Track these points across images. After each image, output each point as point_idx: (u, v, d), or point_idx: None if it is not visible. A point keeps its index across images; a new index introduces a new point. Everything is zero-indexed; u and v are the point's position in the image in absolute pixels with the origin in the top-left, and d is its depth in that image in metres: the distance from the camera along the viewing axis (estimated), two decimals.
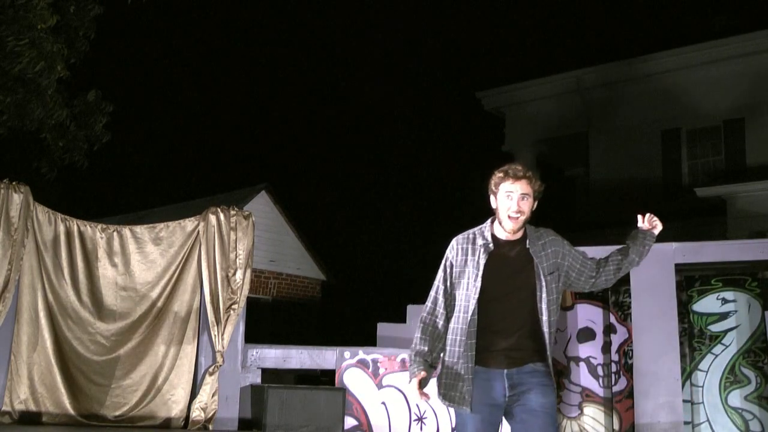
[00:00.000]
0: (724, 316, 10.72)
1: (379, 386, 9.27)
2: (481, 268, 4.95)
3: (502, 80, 24.26)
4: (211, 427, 8.75)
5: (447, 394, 4.90)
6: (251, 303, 9.77)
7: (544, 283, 4.94)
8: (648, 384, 10.37)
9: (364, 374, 9.26)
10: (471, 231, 5.17)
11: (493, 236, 5.09)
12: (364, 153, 29.17)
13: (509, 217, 4.99)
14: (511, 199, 5.02)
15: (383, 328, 11.01)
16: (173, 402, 8.80)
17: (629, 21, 25.03)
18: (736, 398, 10.50)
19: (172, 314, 8.97)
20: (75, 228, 8.89)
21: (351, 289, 21.30)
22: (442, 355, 5.01)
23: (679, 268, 10.67)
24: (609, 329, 10.58)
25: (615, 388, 10.39)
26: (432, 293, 5.11)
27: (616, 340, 10.54)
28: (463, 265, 5.01)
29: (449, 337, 4.98)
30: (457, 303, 4.99)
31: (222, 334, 8.89)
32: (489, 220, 5.16)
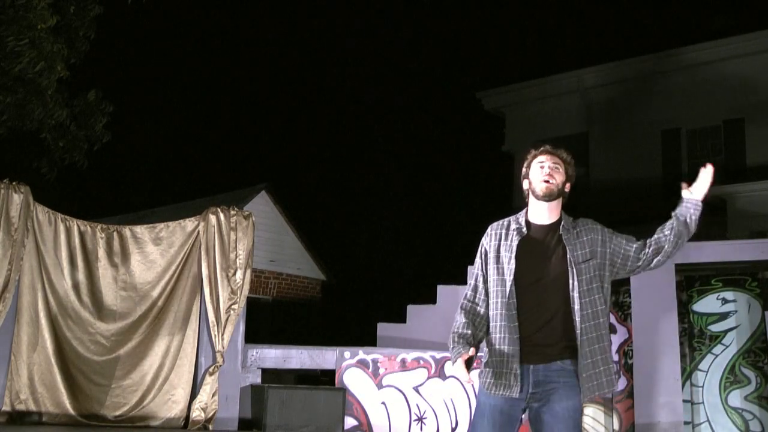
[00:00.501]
0: (724, 316, 10.73)
1: (379, 386, 9.27)
2: (515, 250, 4.86)
3: (503, 80, 24.27)
4: (211, 427, 8.75)
5: (495, 383, 4.79)
6: (251, 303, 9.78)
7: (575, 271, 4.79)
8: (648, 384, 10.38)
9: (364, 374, 9.27)
10: (507, 218, 5.09)
11: (527, 222, 5.01)
12: (364, 153, 29.19)
13: (541, 182, 4.91)
14: (543, 167, 4.97)
15: (383, 328, 11.03)
16: (173, 402, 8.80)
17: (629, 21, 25.04)
18: (736, 398, 10.51)
19: (172, 314, 8.97)
20: (75, 228, 8.89)
21: (351, 289, 21.32)
22: (485, 344, 4.92)
23: (679, 268, 10.68)
24: (609, 329, 10.59)
25: (615, 389, 10.41)
26: (471, 281, 5.04)
27: (616, 340, 10.55)
28: (497, 251, 4.94)
29: (491, 324, 4.88)
30: (493, 289, 4.90)
31: (222, 334, 8.89)
32: (525, 209, 5.07)
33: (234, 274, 9.05)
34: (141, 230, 9.12)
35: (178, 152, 28.67)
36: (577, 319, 4.75)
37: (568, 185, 5.02)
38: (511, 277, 4.80)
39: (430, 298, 11.07)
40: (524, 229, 4.94)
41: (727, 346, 10.65)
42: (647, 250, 4.98)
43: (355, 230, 25.88)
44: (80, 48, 13.74)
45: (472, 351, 4.74)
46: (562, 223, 4.96)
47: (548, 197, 4.91)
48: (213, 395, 8.81)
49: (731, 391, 10.58)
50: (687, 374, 10.64)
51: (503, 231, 4.99)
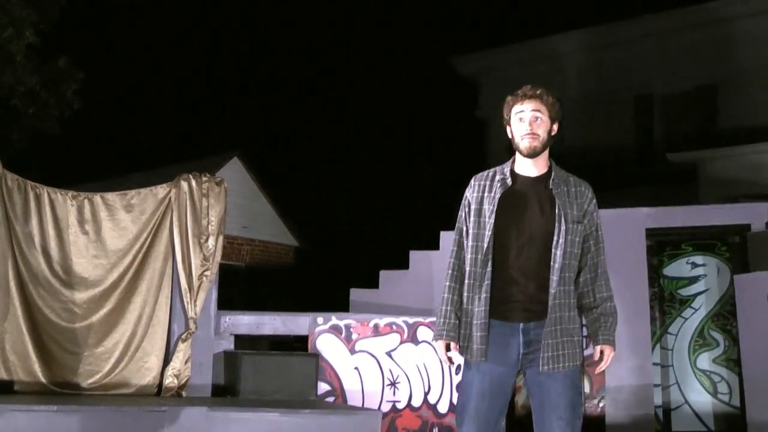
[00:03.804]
0: (693, 280, 10.84)
1: (352, 351, 9.31)
2: (496, 203, 4.65)
3: (476, 46, 24.26)
4: (184, 394, 8.76)
5: (463, 346, 4.67)
6: (224, 269, 9.77)
7: (564, 229, 4.58)
8: (619, 347, 10.45)
9: (337, 340, 9.31)
10: (492, 169, 4.87)
11: (513, 172, 4.77)
12: (336, 119, 29.12)
13: (522, 137, 4.67)
14: (522, 120, 4.70)
15: (356, 294, 11.06)
16: (146, 369, 8.81)
17: None
18: (704, 361, 10.64)
19: (145, 281, 8.95)
20: (45, 196, 8.83)
21: (324, 255, 21.34)
22: (465, 309, 4.72)
23: (650, 233, 10.76)
24: None
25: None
26: (455, 236, 4.86)
27: None
28: (480, 203, 4.72)
29: (467, 282, 4.69)
30: (471, 243, 4.70)
31: (195, 301, 8.89)
32: (511, 159, 4.84)
33: (206, 240, 9.03)
34: (112, 197, 9.07)
35: (151, 119, 28.52)
36: (554, 278, 4.56)
37: (555, 127, 4.78)
38: (491, 232, 4.60)
39: (403, 264, 11.10)
40: (509, 180, 4.71)
41: (696, 310, 10.77)
42: (587, 279, 4.73)
43: (328, 196, 25.89)
44: (51, 14, 13.62)
45: (454, 345, 4.70)
46: (553, 176, 4.75)
47: (533, 155, 4.68)
48: (186, 362, 8.82)
49: (700, 353, 10.70)
50: (657, 338, 10.75)
51: (487, 182, 4.78)
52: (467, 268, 4.67)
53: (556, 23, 22.91)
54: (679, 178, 18.74)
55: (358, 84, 30.39)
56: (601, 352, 4.75)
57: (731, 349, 10.58)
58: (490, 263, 4.59)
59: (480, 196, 4.74)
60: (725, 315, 10.65)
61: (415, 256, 11.08)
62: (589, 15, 22.31)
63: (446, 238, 10.85)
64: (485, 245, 4.61)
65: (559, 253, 4.56)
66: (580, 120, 22.03)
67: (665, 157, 19.05)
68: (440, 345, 4.73)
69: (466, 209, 4.80)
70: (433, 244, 10.96)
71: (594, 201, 4.79)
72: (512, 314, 4.58)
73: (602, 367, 4.80)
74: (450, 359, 4.77)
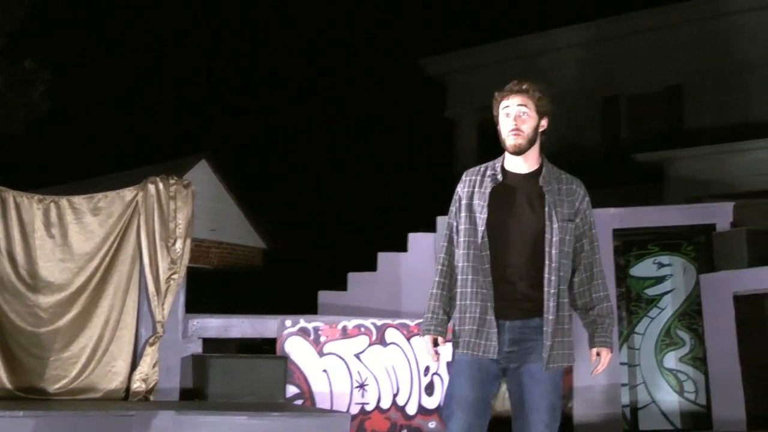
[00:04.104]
0: (660, 279, 10.92)
1: (321, 354, 9.31)
2: (487, 198, 4.59)
3: (445, 47, 24.30)
4: (152, 398, 8.73)
5: (469, 342, 4.54)
6: (192, 273, 9.74)
7: (556, 227, 4.53)
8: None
9: (305, 342, 9.30)
10: (483, 164, 4.81)
11: (503, 168, 4.71)
12: (303, 120, 29.07)
13: (508, 134, 4.62)
14: (508, 116, 4.65)
15: (324, 296, 11.06)
16: (114, 373, 8.76)
17: None
18: (671, 360, 10.73)
19: (112, 285, 8.91)
20: (11, 199, 8.76)
21: (292, 258, 21.29)
22: (455, 299, 4.67)
23: (617, 234, 10.84)
24: None
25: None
26: (445, 232, 4.81)
27: None
28: (470, 198, 4.66)
29: (460, 278, 4.62)
30: (464, 239, 4.62)
31: (162, 305, 8.86)
32: (503, 155, 4.77)
33: (174, 243, 9.01)
34: (79, 200, 9.02)
35: (118, 121, 28.36)
36: (553, 279, 4.52)
37: (544, 122, 4.73)
38: (483, 227, 4.54)
39: (372, 266, 11.11)
40: (499, 176, 4.66)
41: (662, 309, 10.85)
42: (583, 280, 4.70)
43: (296, 199, 25.81)
44: (16, 15, 13.52)
45: (441, 341, 4.69)
46: (543, 172, 4.69)
47: (519, 152, 4.63)
48: (154, 366, 8.79)
49: (667, 352, 10.78)
50: (624, 337, 10.82)
51: (478, 177, 4.72)
52: (460, 264, 4.60)
53: (523, 25, 22.98)
54: (645, 179, 18.84)
55: (326, 85, 30.36)
56: (598, 354, 4.73)
57: (697, 348, 10.66)
58: (489, 259, 4.52)
59: (471, 191, 4.69)
60: (691, 314, 10.74)
61: (383, 258, 11.09)
62: (557, 17, 22.40)
63: (414, 239, 10.88)
64: (479, 240, 4.55)
65: (554, 252, 4.51)
66: (547, 120, 22.08)
67: (632, 158, 19.17)
68: (427, 339, 4.71)
69: (457, 204, 4.75)
70: (402, 246, 10.98)
71: (587, 199, 4.75)
72: (501, 311, 4.52)
73: (599, 369, 4.77)
74: (437, 354, 4.74)
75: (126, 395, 8.73)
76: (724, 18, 19.54)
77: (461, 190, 4.75)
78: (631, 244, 11.10)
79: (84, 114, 27.79)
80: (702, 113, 19.90)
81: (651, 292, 10.93)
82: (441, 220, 4.48)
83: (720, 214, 10.86)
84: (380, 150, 27.11)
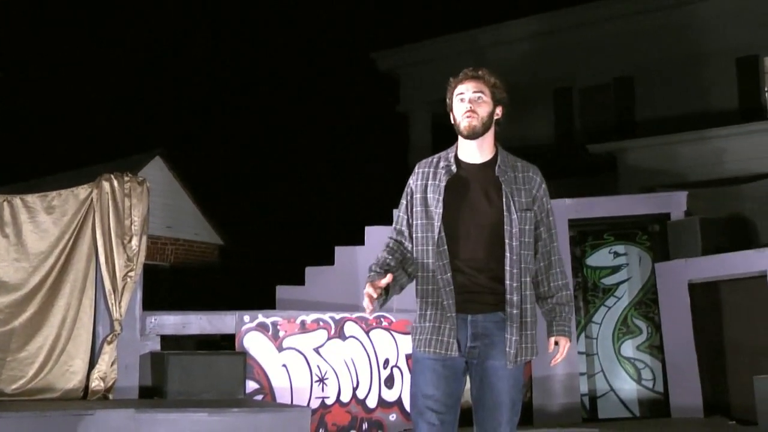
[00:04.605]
0: (616, 269, 11.02)
1: (280, 349, 9.29)
2: (442, 192, 4.41)
3: (397, 41, 24.30)
4: (111, 397, 8.67)
5: (429, 341, 4.36)
6: (149, 270, 9.68)
7: (515, 218, 4.36)
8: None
9: (264, 337, 9.28)
10: (436, 155, 4.63)
11: (457, 158, 4.53)
12: (257, 115, 28.96)
13: (462, 117, 4.46)
14: (463, 101, 4.49)
15: (282, 291, 11.04)
16: (71, 373, 8.69)
17: None
18: (628, 348, 10.83)
19: (68, 284, 8.83)
20: None
21: (249, 253, 21.21)
22: (417, 302, 4.45)
23: (573, 224, 10.91)
24: None
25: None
26: (396, 225, 4.62)
27: None
28: (424, 192, 4.48)
29: (419, 274, 4.45)
30: (420, 235, 4.43)
31: (119, 302, 8.80)
32: (455, 144, 4.60)
33: (129, 241, 8.95)
34: (32, 199, 8.93)
35: (70, 118, 28.08)
36: (515, 271, 4.36)
37: (499, 110, 4.58)
38: (440, 222, 4.37)
39: (329, 260, 11.11)
40: (453, 167, 4.49)
41: (619, 298, 10.95)
42: (541, 267, 4.54)
43: (252, 194, 25.73)
44: None
45: (389, 277, 4.33)
46: (499, 161, 4.53)
47: (473, 135, 4.45)
48: (112, 364, 8.73)
49: (624, 341, 10.88)
50: (582, 327, 10.91)
51: (431, 170, 4.54)
52: (420, 260, 4.43)
53: (475, 18, 23.04)
54: (599, 169, 18.99)
55: (279, 80, 30.27)
56: (556, 343, 4.59)
57: (654, 336, 10.77)
58: (447, 254, 4.35)
59: (424, 184, 4.50)
60: (647, 303, 10.85)
61: (340, 251, 11.09)
62: (507, 9, 22.47)
63: (371, 233, 10.89)
64: (436, 236, 4.37)
65: (515, 243, 4.35)
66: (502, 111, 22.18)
67: (585, 149, 19.32)
68: (368, 288, 4.29)
69: (409, 197, 4.56)
70: (358, 239, 10.99)
71: (544, 186, 4.59)
72: (462, 306, 4.34)
73: (558, 358, 4.62)
74: (372, 299, 4.28)
75: (84, 394, 8.67)
76: (674, 10, 19.73)
77: (414, 183, 4.57)
78: (587, 234, 11.19)
79: (33, 112, 27.49)
80: (653, 104, 20.08)
81: (607, 281, 11.03)
82: (397, 213, 4.39)
83: (674, 204, 10.99)
84: (335, 145, 27.12)
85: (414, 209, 4.51)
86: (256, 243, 22.26)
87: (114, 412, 7.42)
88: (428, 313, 4.41)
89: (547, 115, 21.78)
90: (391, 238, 4.62)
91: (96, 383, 8.64)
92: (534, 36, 21.84)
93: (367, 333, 9.57)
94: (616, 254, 11.09)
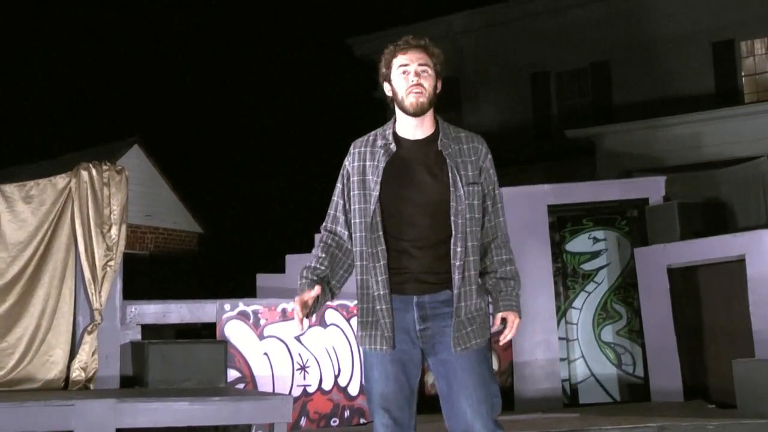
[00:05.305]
0: (595, 254, 11.07)
1: (261, 337, 9.28)
2: (380, 173, 4.15)
3: (372, 26, 24.27)
4: (92, 387, 8.64)
5: (365, 336, 4.17)
6: (128, 259, 9.64)
7: (461, 193, 4.09)
8: (524, 323, 10.61)
9: (245, 326, 9.26)
10: (371, 133, 4.34)
11: (395, 135, 4.25)
12: (235, 103, 28.90)
13: (408, 92, 4.17)
14: (407, 73, 4.22)
15: (263, 279, 11.03)
16: (52, 363, 8.65)
17: None
18: (608, 333, 10.89)
19: (47, 274, 8.77)
20: None
21: (229, 241, 21.20)
22: (357, 294, 4.21)
23: (552, 210, 10.95)
24: None
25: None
26: (330, 211, 4.36)
27: None
28: (362, 173, 4.21)
29: (357, 264, 4.20)
30: (357, 219, 4.18)
31: (99, 292, 8.76)
32: (392, 120, 4.32)
33: (109, 230, 8.90)
34: (10, 188, 8.86)
35: (44, 106, 27.92)
36: (458, 249, 4.09)
37: (439, 84, 4.28)
38: (377, 205, 4.12)
39: (309, 247, 11.11)
40: (392, 146, 4.21)
41: (599, 284, 11.00)
42: (486, 242, 4.26)
43: (231, 182, 25.70)
44: None
45: (317, 289, 4.10)
46: (441, 135, 4.23)
47: (420, 112, 4.17)
48: (93, 354, 8.69)
49: (604, 326, 10.94)
50: (562, 312, 10.95)
51: (368, 149, 4.26)
52: (357, 248, 4.19)
53: (450, 3, 23.03)
54: (577, 154, 19.06)
55: (256, 68, 30.20)
56: (503, 320, 4.23)
57: (634, 321, 10.83)
58: (382, 240, 4.12)
59: (362, 165, 4.23)
60: (627, 288, 10.91)
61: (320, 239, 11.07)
62: None
63: None
64: (373, 220, 4.12)
65: (460, 221, 4.08)
66: (477, 98, 22.24)
67: (563, 134, 19.37)
68: (296, 305, 4.09)
69: (345, 180, 4.28)
70: None
71: (489, 156, 4.29)
72: (404, 286, 4.12)
73: (507, 335, 4.24)
74: (301, 317, 4.09)
75: (65, 384, 8.63)
76: None
77: (350, 164, 4.29)
78: (566, 220, 11.22)
79: (10, 100, 27.32)
80: (630, 89, 20.17)
81: (587, 266, 11.07)
82: (332, 198, 4.17)
83: (652, 189, 11.04)
84: (312, 131, 27.08)
85: (351, 193, 4.25)
86: (236, 231, 22.26)
87: (95, 402, 7.38)
88: (365, 306, 4.19)
89: (524, 100, 21.82)
90: (325, 229, 4.39)
91: (77, 373, 8.60)
92: (510, 21, 21.89)
93: (348, 320, 9.57)
94: (596, 240, 11.13)
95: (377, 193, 4.13)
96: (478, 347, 4.16)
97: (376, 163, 4.19)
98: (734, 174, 10.96)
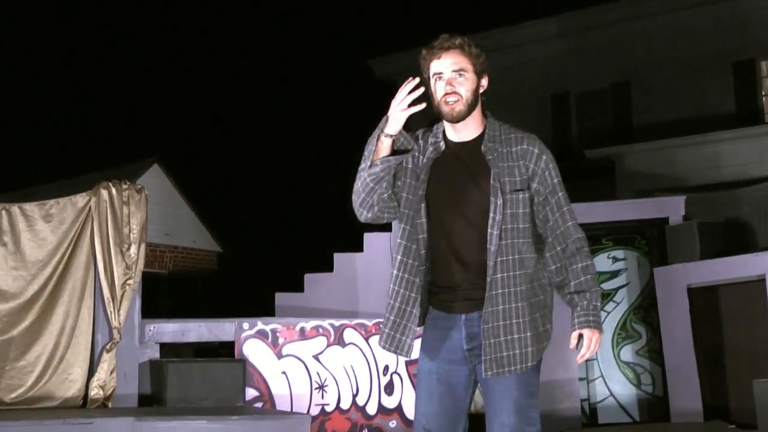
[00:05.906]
0: (615, 274, 11.01)
1: (279, 356, 9.28)
2: (428, 171, 3.94)
3: (393, 47, 24.33)
4: (110, 405, 8.65)
5: (389, 336, 3.93)
6: (147, 278, 9.68)
7: (500, 203, 3.81)
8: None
9: (263, 345, 9.26)
10: (423, 129, 4.15)
11: (445, 136, 4.04)
12: (256, 123, 28.99)
13: (443, 103, 3.93)
14: (441, 79, 3.94)
15: (281, 298, 11.03)
16: (70, 381, 8.67)
17: None
18: (628, 353, 10.82)
19: (66, 292, 8.82)
20: None
21: (248, 260, 21.23)
22: (390, 288, 3.94)
23: None
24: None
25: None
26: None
27: None
28: (416, 164, 4.00)
29: (394, 257, 3.97)
30: (403, 210, 3.95)
31: (118, 310, 8.79)
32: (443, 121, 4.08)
33: (128, 249, 8.93)
34: (30, 207, 8.92)
35: (68, 127, 28.10)
36: (490, 264, 3.79)
37: (484, 82, 4.08)
38: (422, 206, 3.92)
39: (328, 266, 11.10)
40: (441, 144, 4.00)
41: (618, 303, 10.95)
42: (556, 253, 3.97)
43: (250, 201, 25.76)
44: None
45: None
46: (486, 138, 4.02)
47: (458, 119, 3.94)
48: (111, 372, 8.71)
49: (623, 346, 10.88)
50: None
51: (422, 143, 4.06)
52: (394, 241, 4.15)
53: (470, 25, 23.07)
54: (597, 174, 19.01)
55: (277, 87, 30.31)
56: (581, 337, 3.97)
57: (653, 341, 10.77)
58: (424, 243, 3.92)
59: (418, 157, 4.02)
60: (646, 307, 10.85)
61: (339, 258, 11.08)
62: (503, 16, 22.50)
63: (369, 239, 10.88)
64: (416, 217, 3.93)
65: (495, 233, 3.80)
66: (497, 118, 22.21)
67: (583, 154, 19.34)
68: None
69: (410, 146, 4.02)
70: (357, 246, 10.98)
71: (545, 158, 4.05)
72: (453, 304, 3.90)
73: (585, 354, 3.98)
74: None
75: (84, 403, 8.65)
76: (670, 14, 19.76)
77: (416, 145, 4.06)
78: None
79: (33, 120, 27.51)
80: (650, 109, 20.12)
81: (606, 286, 11.02)
82: (395, 221, 4.15)
83: (672, 208, 10.99)
84: (333, 151, 27.13)
85: (404, 178, 4.01)
86: (255, 250, 22.28)
87: (113, 420, 7.39)
88: (392, 304, 3.93)
89: (544, 121, 21.79)
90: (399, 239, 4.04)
91: (95, 391, 8.62)
92: (530, 42, 21.87)
93: (367, 339, 9.56)
94: (615, 259, 11.09)
95: (422, 192, 3.94)
96: (522, 371, 3.89)
97: (425, 158, 4.00)
98: (755, 193, 10.91)
